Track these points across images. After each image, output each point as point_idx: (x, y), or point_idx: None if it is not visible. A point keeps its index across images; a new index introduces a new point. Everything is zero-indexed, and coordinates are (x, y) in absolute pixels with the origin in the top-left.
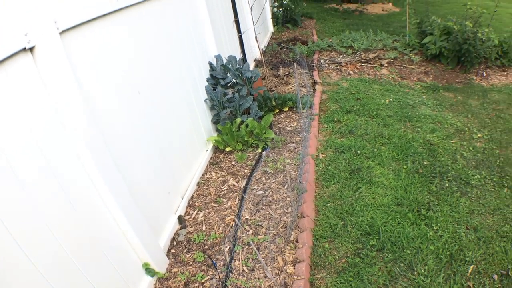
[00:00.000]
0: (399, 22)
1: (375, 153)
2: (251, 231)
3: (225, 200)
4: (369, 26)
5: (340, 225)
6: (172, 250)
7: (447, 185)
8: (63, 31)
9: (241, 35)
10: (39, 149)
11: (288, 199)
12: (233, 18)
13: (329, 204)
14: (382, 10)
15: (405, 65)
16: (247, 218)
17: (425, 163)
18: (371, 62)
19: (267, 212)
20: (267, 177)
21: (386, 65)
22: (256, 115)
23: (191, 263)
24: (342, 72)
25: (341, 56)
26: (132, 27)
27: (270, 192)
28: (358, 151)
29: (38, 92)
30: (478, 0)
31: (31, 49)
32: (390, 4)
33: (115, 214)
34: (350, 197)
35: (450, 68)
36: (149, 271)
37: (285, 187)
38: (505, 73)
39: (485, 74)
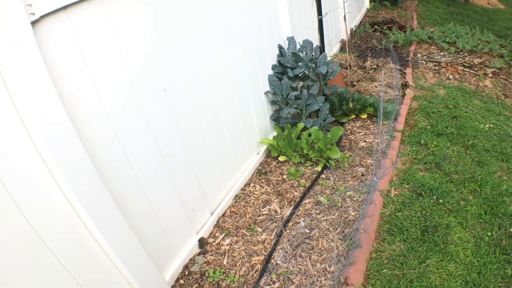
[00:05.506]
0: (504, 22)
1: (460, 206)
2: (277, 285)
3: (260, 230)
4: (473, 19)
5: None
6: (181, 281)
7: None
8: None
9: (321, 18)
10: None
11: (336, 250)
12: None
13: (384, 271)
14: (488, 4)
15: (510, 80)
16: (278, 264)
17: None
18: (475, 69)
19: (305, 263)
20: (318, 210)
21: (491, 75)
22: (324, 120)
23: None
24: (441, 74)
25: (442, 53)
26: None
27: (317, 234)
28: (441, 199)
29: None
30: None
31: None
32: None
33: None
34: (413, 269)
35: None
36: None
37: (337, 231)
38: None
39: None
